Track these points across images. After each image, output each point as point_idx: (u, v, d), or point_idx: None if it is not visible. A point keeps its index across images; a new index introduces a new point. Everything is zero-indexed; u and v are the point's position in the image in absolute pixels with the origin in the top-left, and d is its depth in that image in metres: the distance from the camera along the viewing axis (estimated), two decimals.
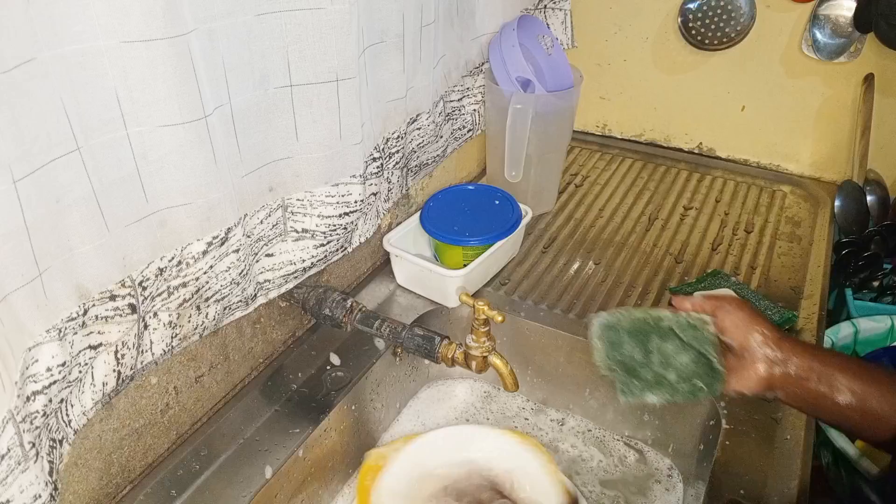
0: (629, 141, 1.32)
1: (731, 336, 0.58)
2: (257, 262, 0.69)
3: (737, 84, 1.18)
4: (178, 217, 0.56)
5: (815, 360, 0.56)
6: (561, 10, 1.19)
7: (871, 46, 1.05)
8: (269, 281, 0.71)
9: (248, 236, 0.65)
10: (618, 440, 0.84)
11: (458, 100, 1.00)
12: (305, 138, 0.66)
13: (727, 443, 0.69)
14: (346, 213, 0.72)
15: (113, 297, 0.53)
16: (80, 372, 0.52)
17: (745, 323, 0.58)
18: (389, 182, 0.84)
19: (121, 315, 0.54)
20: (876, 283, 1.10)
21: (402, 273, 0.91)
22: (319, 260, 0.74)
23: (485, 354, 0.69)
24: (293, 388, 0.75)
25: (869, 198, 1.09)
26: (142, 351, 0.58)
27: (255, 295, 0.70)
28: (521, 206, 0.94)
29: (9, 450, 0.44)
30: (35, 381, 0.47)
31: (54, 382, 0.48)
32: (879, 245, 1.08)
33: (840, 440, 0.90)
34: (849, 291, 1.09)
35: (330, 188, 0.70)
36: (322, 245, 0.73)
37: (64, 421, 0.52)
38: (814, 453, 0.69)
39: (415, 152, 0.90)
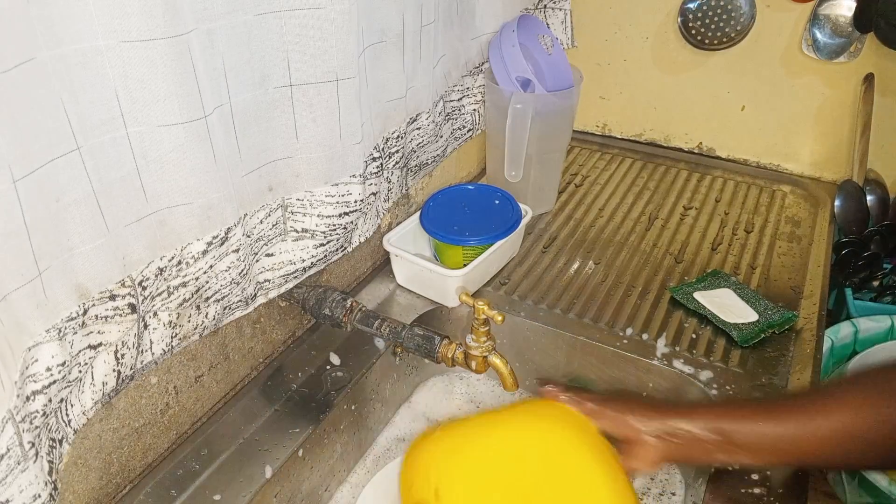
0: (629, 141, 1.32)
1: (611, 430, 0.59)
2: (257, 261, 0.69)
3: (737, 84, 1.18)
4: (178, 217, 0.56)
5: (705, 418, 0.56)
6: (561, 9, 1.19)
7: (871, 46, 1.05)
8: (268, 281, 0.71)
9: (248, 236, 0.65)
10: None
11: (458, 99, 1.00)
12: (305, 138, 0.66)
13: None
14: (346, 213, 0.72)
15: (113, 297, 0.53)
16: (80, 372, 0.52)
17: (616, 412, 0.59)
18: (389, 182, 0.84)
19: (121, 315, 0.54)
20: (876, 283, 1.10)
21: (402, 273, 0.91)
22: (319, 260, 0.74)
23: (485, 354, 0.69)
24: (293, 387, 0.75)
25: (869, 198, 1.09)
26: (142, 351, 0.58)
27: (255, 295, 0.70)
28: (521, 205, 0.94)
29: (8, 449, 0.44)
30: (35, 381, 0.47)
31: (54, 382, 0.48)
32: (879, 245, 1.08)
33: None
34: (849, 291, 1.09)
35: (330, 188, 0.70)
36: (322, 245, 0.73)
37: (64, 421, 0.52)
38: None
39: (415, 152, 0.90)
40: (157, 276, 0.57)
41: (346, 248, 0.78)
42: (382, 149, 0.79)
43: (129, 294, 0.55)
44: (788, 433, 0.54)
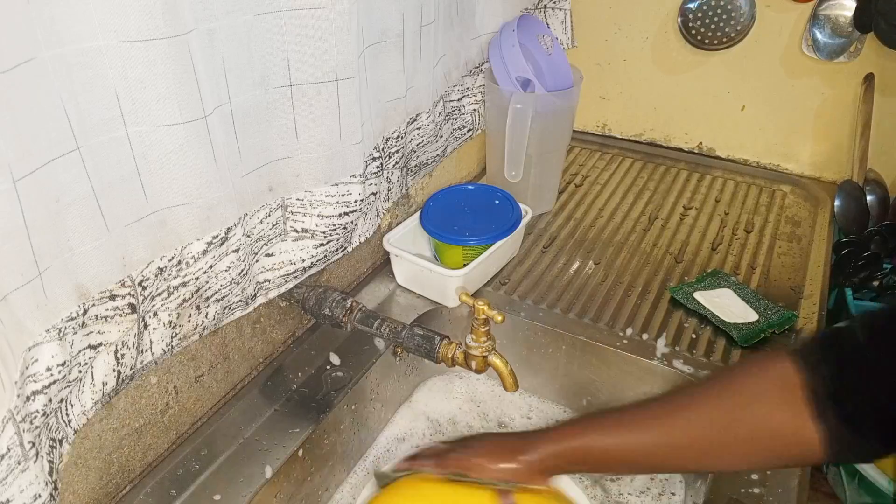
0: (629, 141, 1.32)
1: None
2: (257, 261, 0.69)
3: (737, 84, 1.18)
4: (178, 217, 0.56)
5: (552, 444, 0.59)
6: (561, 9, 1.19)
7: (871, 46, 1.05)
8: (268, 281, 0.71)
9: (248, 236, 0.65)
10: None
11: (458, 99, 1.00)
12: (305, 138, 0.66)
13: None
14: (346, 213, 0.72)
15: (113, 297, 0.53)
16: (80, 372, 0.52)
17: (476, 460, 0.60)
18: (389, 182, 0.84)
19: (121, 315, 0.54)
20: (876, 283, 1.10)
21: (402, 273, 0.91)
22: (319, 260, 0.74)
23: (485, 354, 0.69)
24: (293, 387, 0.75)
25: (869, 198, 1.09)
26: (142, 351, 0.58)
27: (255, 295, 0.70)
28: (521, 205, 0.94)
29: (9, 449, 0.44)
30: (35, 381, 0.47)
31: (54, 382, 0.48)
32: (879, 245, 1.08)
33: (870, 471, 0.91)
34: (849, 291, 1.09)
35: (330, 188, 0.70)
36: (322, 245, 0.73)
37: (64, 421, 0.52)
38: None
39: (414, 152, 0.90)
40: (157, 276, 0.57)
41: (346, 248, 0.78)
42: (382, 149, 0.79)
43: (129, 294, 0.55)
44: (630, 444, 0.56)
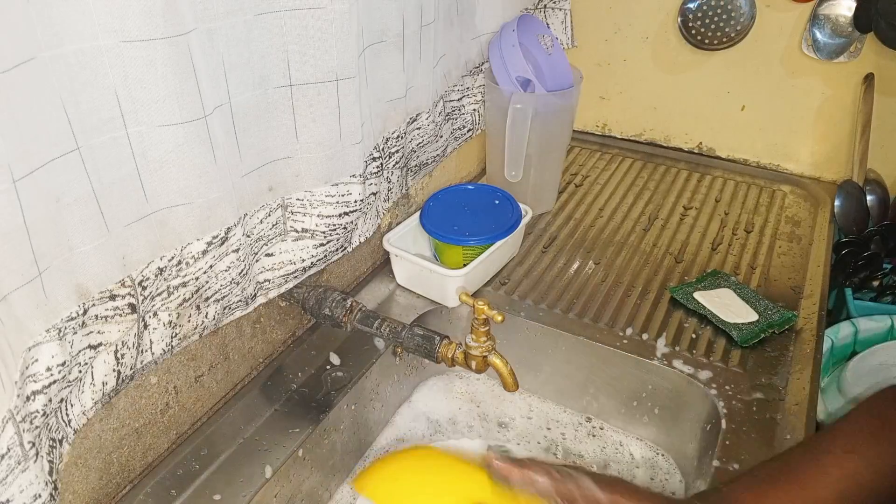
0: (629, 141, 1.32)
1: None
2: (257, 261, 0.69)
3: (737, 84, 1.18)
4: (178, 216, 0.56)
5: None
6: (561, 9, 1.19)
7: (871, 46, 1.05)
8: (268, 280, 0.71)
9: (248, 236, 0.65)
10: (618, 440, 0.84)
11: (458, 99, 1.00)
12: (305, 138, 0.66)
13: (727, 443, 0.69)
14: (346, 213, 0.72)
15: (113, 297, 0.53)
16: (80, 372, 0.52)
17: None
18: (389, 182, 0.84)
19: (121, 315, 0.55)
20: (876, 283, 1.10)
21: (402, 273, 0.91)
22: (319, 260, 0.74)
23: (484, 354, 0.69)
24: (293, 387, 0.75)
25: (869, 198, 1.09)
26: (142, 351, 0.58)
27: (255, 295, 0.70)
28: (521, 205, 0.94)
29: (8, 449, 0.44)
30: (35, 381, 0.47)
31: (54, 382, 0.48)
32: (879, 245, 1.08)
33: None
34: (849, 291, 1.09)
35: (330, 188, 0.70)
36: (322, 245, 0.73)
37: (64, 421, 0.52)
38: None
39: (414, 152, 0.90)
40: (157, 275, 0.57)
41: (346, 248, 0.78)
42: (382, 149, 0.79)
43: (129, 294, 0.55)
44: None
